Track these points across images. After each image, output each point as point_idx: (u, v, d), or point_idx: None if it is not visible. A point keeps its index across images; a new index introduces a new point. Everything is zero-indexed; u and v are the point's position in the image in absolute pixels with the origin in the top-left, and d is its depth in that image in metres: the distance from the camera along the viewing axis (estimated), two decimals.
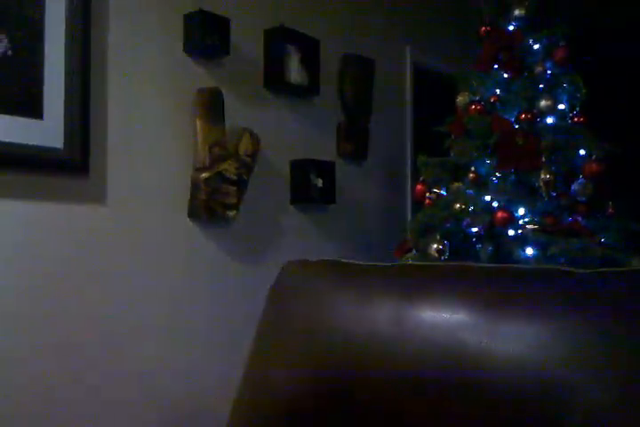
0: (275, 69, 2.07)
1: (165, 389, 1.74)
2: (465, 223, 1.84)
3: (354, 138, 2.36)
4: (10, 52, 1.47)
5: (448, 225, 1.86)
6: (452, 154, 2.07)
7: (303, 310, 1.05)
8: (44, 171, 1.53)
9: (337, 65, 2.35)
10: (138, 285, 1.70)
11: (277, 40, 2.07)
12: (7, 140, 1.46)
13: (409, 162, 2.68)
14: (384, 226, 2.51)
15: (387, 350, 0.93)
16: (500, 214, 1.78)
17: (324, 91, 2.24)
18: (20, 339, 1.46)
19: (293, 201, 2.14)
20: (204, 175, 1.83)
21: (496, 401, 0.84)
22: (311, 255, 1.23)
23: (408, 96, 2.73)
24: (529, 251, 1.74)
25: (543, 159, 1.86)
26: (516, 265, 1.00)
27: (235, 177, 1.88)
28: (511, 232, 1.79)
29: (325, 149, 2.28)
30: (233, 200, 1.88)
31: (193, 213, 1.83)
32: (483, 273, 1.02)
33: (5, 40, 1.46)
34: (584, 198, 1.87)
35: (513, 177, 1.87)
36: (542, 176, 1.83)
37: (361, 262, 1.12)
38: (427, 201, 2.00)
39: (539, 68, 2.06)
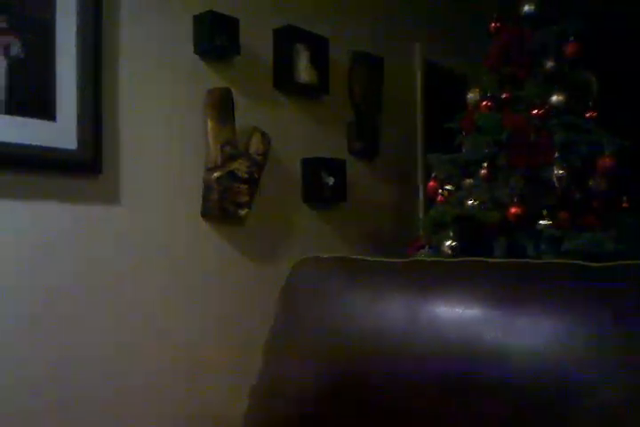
0: (284, 69, 2.08)
1: (178, 387, 1.74)
2: (478, 220, 1.83)
3: (364, 136, 2.36)
4: (22, 55, 1.48)
5: (460, 222, 1.85)
6: (463, 150, 2.06)
7: (316, 307, 1.05)
8: (58, 172, 1.54)
9: (346, 63, 2.35)
10: (151, 284, 1.70)
11: (286, 39, 2.07)
12: (21, 141, 1.47)
13: (420, 159, 2.68)
14: (396, 223, 2.50)
15: (400, 346, 0.93)
16: (513, 210, 1.78)
17: (333, 89, 2.25)
18: (35, 339, 1.47)
19: (305, 199, 2.14)
20: (216, 174, 1.84)
21: (510, 397, 0.84)
22: (323, 253, 1.23)
23: (418, 93, 2.72)
24: (543, 246, 1.73)
25: (556, 155, 1.85)
26: (530, 260, 1.00)
27: (246, 176, 1.89)
28: (524, 228, 1.78)
29: (336, 147, 2.29)
30: (245, 199, 1.89)
31: (206, 213, 1.84)
32: (497, 268, 1.02)
33: (18, 43, 1.48)
34: (598, 193, 1.85)
35: (526, 173, 1.86)
36: (555, 172, 1.81)
37: (373, 258, 1.12)
38: (439, 198, 2.00)
39: (550, 64, 2.05)
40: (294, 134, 2.14)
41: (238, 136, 1.89)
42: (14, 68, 1.47)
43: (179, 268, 1.77)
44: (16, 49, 1.47)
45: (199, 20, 1.84)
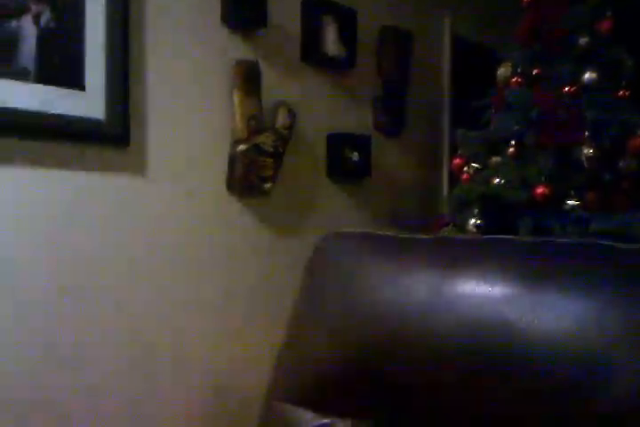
0: (311, 41, 2.05)
1: (205, 358, 1.77)
2: (504, 199, 1.81)
3: (390, 111, 2.34)
4: (52, 24, 1.48)
5: (486, 200, 1.83)
6: (491, 128, 2.03)
7: (341, 281, 1.06)
8: (86, 142, 1.55)
9: (374, 37, 2.31)
10: (176, 256, 1.72)
11: (314, 11, 2.05)
12: (50, 111, 1.48)
13: (446, 136, 2.65)
14: (419, 200, 2.49)
15: (426, 322, 0.93)
16: (540, 190, 1.75)
17: (360, 63, 2.22)
18: (61, 311, 1.50)
19: (329, 174, 2.13)
20: (242, 148, 1.83)
21: (535, 377, 0.83)
22: (346, 228, 1.23)
23: (446, 68, 2.68)
24: (570, 227, 1.71)
25: (586, 134, 1.81)
26: (559, 239, 0.99)
27: (271, 149, 1.89)
28: (551, 208, 1.76)
29: (361, 122, 2.27)
30: (269, 173, 1.89)
31: (230, 186, 1.84)
32: (525, 246, 1.01)
33: (48, 12, 1.48)
34: (627, 174, 1.82)
35: (554, 152, 1.83)
36: (585, 151, 1.78)
37: (400, 234, 1.12)
38: (464, 175, 1.98)
39: (583, 41, 2.00)
40: (320, 109, 2.12)
41: (264, 110, 1.88)
42: (44, 37, 1.47)
43: (203, 240, 1.78)
44: (46, 18, 1.47)
45: None
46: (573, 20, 2.02)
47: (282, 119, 1.94)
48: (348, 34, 2.14)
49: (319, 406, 0.96)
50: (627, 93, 1.95)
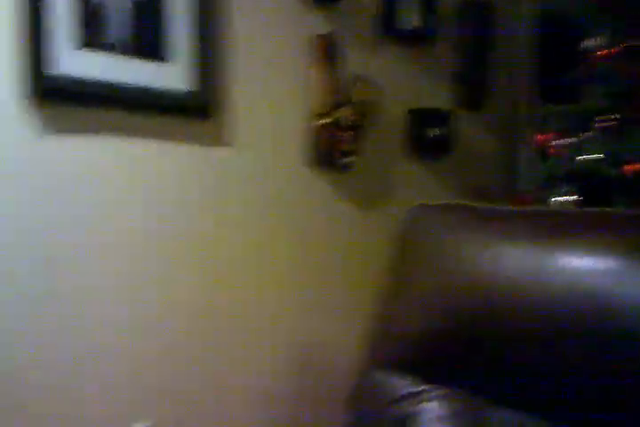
0: (391, 15, 2.02)
1: (292, 319, 1.80)
2: (593, 176, 1.74)
3: (471, 85, 2.28)
4: None
5: (573, 177, 1.77)
6: (579, 102, 1.95)
7: (434, 253, 1.05)
8: (170, 113, 1.59)
9: (455, 10, 2.25)
10: (254, 228, 1.75)
11: None
12: (135, 82, 1.52)
13: (529, 111, 2.56)
14: (501, 177, 2.43)
15: (523, 296, 0.90)
16: (632, 167, 1.68)
17: (441, 36, 2.16)
18: (140, 281, 1.56)
19: (409, 150, 2.10)
20: (322, 122, 1.83)
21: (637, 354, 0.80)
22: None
23: (530, 41, 2.58)
24: None
25: None
26: None
27: (351, 124, 1.88)
28: None
29: (441, 97, 2.22)
30: (349, 147, 1.88)
31: (311, 160, 1.85)
32: (625, 219, 0.97)
33: None
34: None
35: None
36: None
37: (492, 206, 1.09)
38: (550, 151, 1.92)
39: None
40: (400, 82, 2.09)
41: (343, 84, 1.87)
42: (135, 9, 1.50)
43: (283, 215, 1.80)
44: None
45: None
46: None
47: (361, 93, 1.92)
48: (428, 7, 2.10)
49: (415, 374, 0.96)
50: None
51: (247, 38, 1.71)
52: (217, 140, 1.67)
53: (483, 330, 0.90)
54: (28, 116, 1.41)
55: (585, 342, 0.83)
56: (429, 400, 0.93)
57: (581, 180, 1.74)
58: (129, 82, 1.50)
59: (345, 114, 1.86)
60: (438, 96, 2.20)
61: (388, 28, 2.03)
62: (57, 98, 1.43)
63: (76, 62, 1.43)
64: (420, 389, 0.95)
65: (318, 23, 1.86)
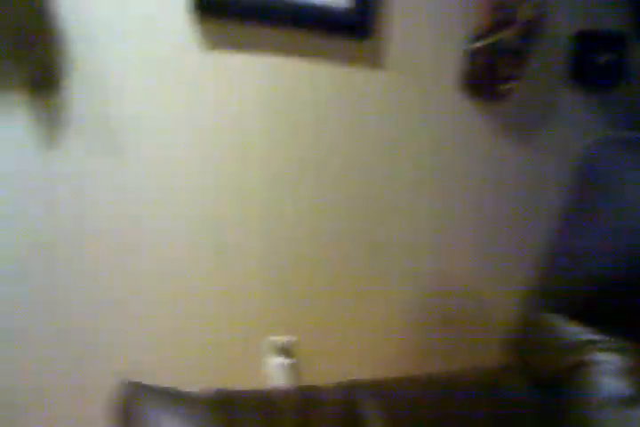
0: None
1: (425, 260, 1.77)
2: None
3: None
4: None
5: None
6: None
7: (621, 188, 0.94)
8: (327, 31, 1.53)
9: None
10: (405, 155, 1.68)
11: None
12: None
13: None
14: None
15: None
16: None
17: None
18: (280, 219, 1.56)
19: (575, 78, 1.91)
20: (482, 43, 1.69)
21: None
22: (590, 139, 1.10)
23: None
24: None
25: None
26: None
27: (514, 46, 1.72)
28: None
29: (615, 18, 1.98)
30: (510, 72, 1.73)
31: (467, 85, 1.72)
32: None
33: None
34: None
35: None
36: None
37: None
38: None
39: None
40: (566, 1, 1.88)
41: (507, 1, 1.70)
42: None
43: (435, 143, 1.71)
44: None
45: None
46: None
47: (527, 12, 1.74)
48: None
49: (588, 323, 0.89)
50: None
51: None
52: (373, 60, 1.59)
53: None
54: (191, 30, 1.40)
55: None
56: (607, 351, 0.86)
57: None
58: None
59: (509, 35, 1.70)
60: (611, 17, 1.96)
61: None
62: (218, 13, 1.40)
63: None
64: (596, 337, 0.88)
65: None
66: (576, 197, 1.00)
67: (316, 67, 1.52)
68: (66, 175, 1.33)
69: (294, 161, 1.56)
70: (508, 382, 0.98)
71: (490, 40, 1.69)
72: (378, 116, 1.62)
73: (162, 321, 1.52)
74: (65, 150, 1.31)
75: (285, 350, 1.63)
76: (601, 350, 0.86)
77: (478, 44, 1.69)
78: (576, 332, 0.88)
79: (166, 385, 1.08)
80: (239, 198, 1.52)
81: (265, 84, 1.49)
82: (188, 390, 1.07)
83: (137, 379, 1.10)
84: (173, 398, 0.97)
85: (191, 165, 1.46)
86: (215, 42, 1.42)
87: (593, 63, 1.87)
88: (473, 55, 1.70)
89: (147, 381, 1.10)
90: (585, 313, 0.89)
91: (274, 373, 1.62)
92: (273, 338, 1.62)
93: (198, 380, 1.18)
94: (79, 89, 1.30)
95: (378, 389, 1.02)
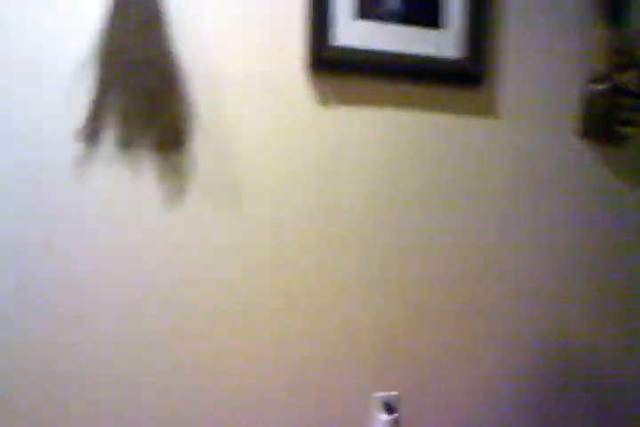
0: None
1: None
2: None
3: None
4: None
5: None
6: None
7: None
8: (438, 81, 1.53)
9: None
10: (512, 205, 1.63)
11: None
12: (407, 51, 1.47)
13: None
14: None
15: None
16: None
17: None
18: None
19: None
20: (601, 87, 1.63)
21: None
22: None
23: None
24: None
25: None
26: None
27: (636, 89, 1.65)
28: None
29: None
30: (632, 116, 1.66)
31: (583, 130, 1.66)
32: None
33: None
34: None
35: None
36: None
37: None
38: None
39: None
40: None
41: (629, 43, 1.64)
42: None
43: (548, 189, 1.65)
44: None
45: None
46: None
47: None
48: None
49: None
50: None
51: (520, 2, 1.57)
52: (484, 107, 1.57)
53: None
54: (308, 87, 1.43)
55: None
56: None
57: None
58: (400, 50, 1.46)
59: (630, 78, 1.64)
60: None
61: None
62: (335, 68, 1.43)
63: (353, 32, 1.42)
64: None
65: None
66: None
67: (427, 116, 1.51)
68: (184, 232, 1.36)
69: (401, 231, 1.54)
70: None
71: (609, 83, 1.63)
72: (492, 165, 1.58)
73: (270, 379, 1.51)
74: (186, 208, 1.34)
75: (389, 406, 1.58)
76: None
77: (597, 88, 1.63)
78: None
79: None
80: (340, 261, 1.51)
81: (367, 134, 1.49)
82: None
83: None
84: None
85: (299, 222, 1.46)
86: (329, 97, 1.44)
87: None
88: (591, 99, 1.64)
89: None
90: None
91: None
92: (377, 394, 1.57)
93: None
94: (204, 149, 1.35)
95: None
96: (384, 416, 1.57)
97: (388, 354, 1.54)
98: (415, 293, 1.54)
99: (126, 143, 1.30)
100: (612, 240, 1.72)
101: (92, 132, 1.27)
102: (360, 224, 1.49)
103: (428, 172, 1.54)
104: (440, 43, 1.49)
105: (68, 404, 1.28)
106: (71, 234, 1.28)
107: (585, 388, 1.70)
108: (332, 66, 1.43)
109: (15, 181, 1.24)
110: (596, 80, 1.64)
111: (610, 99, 1.63)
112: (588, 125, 1.65)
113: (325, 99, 1.45)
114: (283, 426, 1.46)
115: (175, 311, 1.35)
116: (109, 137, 1.30)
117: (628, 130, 1.66)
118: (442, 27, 1.49)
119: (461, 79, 1.53)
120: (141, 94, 1.29)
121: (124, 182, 1.32)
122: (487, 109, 1.58)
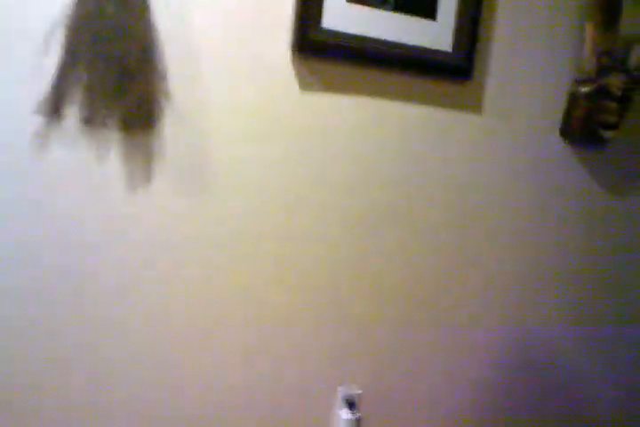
0: None
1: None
2: None
3: None
4: None
5: None
6: None
7: None
8: (427, 73, 1.47)
9: None
10: (505, 206, 1.60)
11: None
12: (398, 39, 1.41)
13: None
14: None
15: None
16: None
17: None
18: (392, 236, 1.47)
19: None
20: (586, 89, 1.60)
21: None
22: None
23: None
24: None
25: None
26: None
27: (619, 93, 1.62)
28: None
29: None
30: (613, 119, 1.64)
31: (565, 131, 1.63)
32: None
33: None
34: None
35: None
36: None
37: None
38: None
39: None
40: None
41: (619, 46, 1.61)
42: None
43: (519, 187, 1.62)
44: None
45: None
46: None
47: (637, 59, 1.65)
48: None
49: None
50: None
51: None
52: (469, 103, 1.52)
53: None
54: (292, 70, 1.34)
55: None
56: None
57: None
58: (393, 39, 1.39)
59: (614, 81, 1.61)
60: None
61: None
62: (321, 52, 1.34)
63: (345, 16, 1.33)
64: None
65: None
66: None
67: (416, 108, 1.46)
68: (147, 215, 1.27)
69: (379, 210, 1.48)
70: None
71: (594, 86, 1.60)
72: (470, 159, 1.54)
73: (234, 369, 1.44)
74: (150, 190, 1.25)
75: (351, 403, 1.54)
76: None
77: (582, 90, 1.60)
78: None
79: None
80: (317, 254, 1.45)
81: (362, 124, 1.42)
82: None
83: None
84: None
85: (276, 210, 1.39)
86: (312, 81, 1.36)
87: None
88: (574, 100, 1.61)
89: None
90: None
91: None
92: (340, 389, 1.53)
93: None
94: (175, 130, 1.24)
95: None
96: (345, 413, 1.53)
97: (354, 351, 1.50)
98: (384, 290, 1.50)
99: (91, 120, 1.19)
100: (591, 241, 1.71)
101: (54, 105, 1.14)
102: (338, 215, 1.42)
103: (412, 164, 1.48)
104: (433, 34, 1.43)
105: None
106: (25, 217, 1.16)
107: (546, 393, 1.70)
108: (318, 49, 1.34)
109: None
110: (581, 82, 1.61)
111: (593, 101, 1.60)
112: (569, 126, 1.63)
113: (308, 83, 1.37)
114: (243, 420, 1.40)
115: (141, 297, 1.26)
116: (73, 112, 1.18)
117: (609, 133, 1.64)
118: (436, 18, 1.43)
119: (452, 73, 1.48)
120: (112, 66, 1.17)
121: (86, 162, 1.20)
122: (474, 104, 1.54)
